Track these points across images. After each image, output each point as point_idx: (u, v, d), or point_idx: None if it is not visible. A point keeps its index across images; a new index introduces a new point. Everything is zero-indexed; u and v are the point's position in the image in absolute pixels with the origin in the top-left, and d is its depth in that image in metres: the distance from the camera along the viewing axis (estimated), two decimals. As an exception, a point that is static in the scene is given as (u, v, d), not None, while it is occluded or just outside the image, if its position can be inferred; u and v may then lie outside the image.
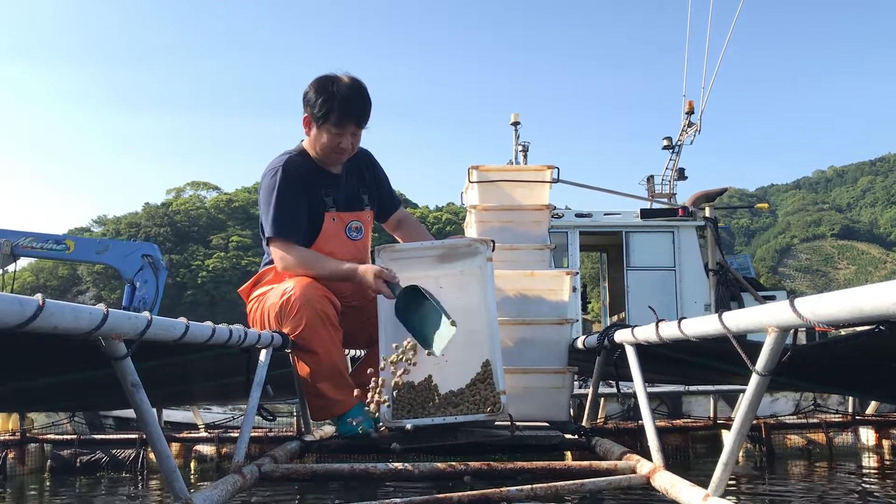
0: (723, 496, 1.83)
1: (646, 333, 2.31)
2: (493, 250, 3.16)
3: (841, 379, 2.79)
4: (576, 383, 4.74)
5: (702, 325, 1.86)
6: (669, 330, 2.09)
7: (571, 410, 3.89)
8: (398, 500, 2.12)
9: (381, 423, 2.89)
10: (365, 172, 3.32)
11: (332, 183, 3.16)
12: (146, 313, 1.71)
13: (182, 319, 1.93)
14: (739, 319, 1.66)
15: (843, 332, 1.58)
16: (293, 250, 2.98)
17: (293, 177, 3.03)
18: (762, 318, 1.54)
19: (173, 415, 6.88)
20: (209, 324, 2.12)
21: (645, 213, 10.82)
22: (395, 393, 2.90)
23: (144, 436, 5.33)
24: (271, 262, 3.17)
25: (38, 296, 1.31)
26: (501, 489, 2.22)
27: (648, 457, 2.43)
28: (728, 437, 1.79)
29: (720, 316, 1.72)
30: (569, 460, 3.40)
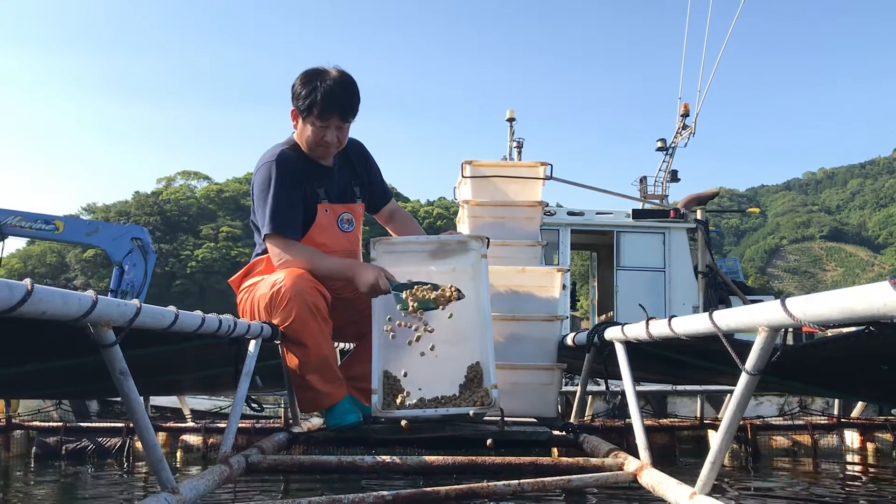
0: (709, 494, 1.84)
1: (636, 331, 2.31)
2: (488, 247, 3.16)
3: (828, 380, 2.81)
4: (564, 380, 4.75)
5: (692, 323, 1.87)
6: (660, 328, 2.09)
7: (559, 407, 3.90)
8: (385, 492, 2.12)
9: (371, 414, 2.90)
10: (357, 165, 3.31)
11: (324, 175, 3.15)
12: (136, 301, 1.70)
13: (171, 308, 1.92)
14: (730, 318, 1.66)
15: (829, 332, 1.58)
16: (291, 248, 2.97)
17: (287, 170, 3.02)
18: (753, 317, 1.55)
19: (159, 399, 6.85)
20: (198, 313, 2.11)
21: (637, 214, 10.85)
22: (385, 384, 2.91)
23: (131, 424, 5.33)
24: (263, 252, 3.16)
25: (27, 280, 1.30)
26: (488, 483, 2.22)
27: (635, 454, 2.44)
28: (716, 436, 1.79)
29: (710, 315, 1.72)
30: (556, 456, 3.41)
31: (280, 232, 2.98)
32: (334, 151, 3.13)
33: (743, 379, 1.66)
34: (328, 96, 2.94)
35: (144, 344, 2.14)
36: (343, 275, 2.96)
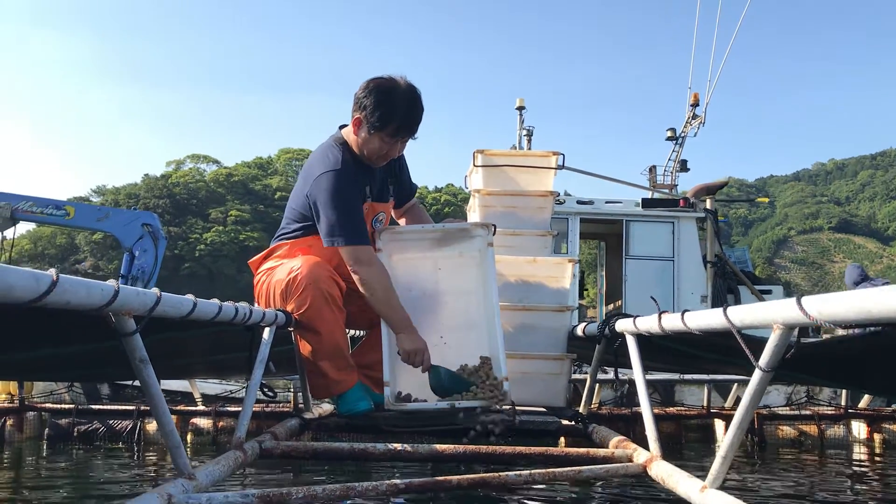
0: (720, 488, 1.86)
1: (648, 324, 2.32)
2: (494, 234, 3.17)
3: (838, 374, 2.82)
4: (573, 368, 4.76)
5: (705, 318, 1.87)
6: (672, 322, 2.10)
7: (568, 395, 3.92)
8: (398, 480, 2.14)
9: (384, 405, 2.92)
10: (394, 162, 3.30)
11: (371, 175, 3.16)
12: (155, 290, 1.72)
13: (189, 296, 1.94)
14: (744, 315, 1.66)
15: (840, 331, 1.59)
16: (373, 264, 2.97)
17: (351, 179, 3.00)
18: (768, 314, 1.55)
19: (169, 383, 6.90)
20: (216, 301, 2.13)
21: (646, 203, 10.84)
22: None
23: (142, 407, 5.38)
24: (284, 236, 3.16)
25: (52, 271, 1.31)
26: (500, 474, 2.24)
27: (643, 444, 2.46)
28: (728, 431, 1.80)
29: (725, 311, 1.73)
30: (563, 446, 3.43)
31: (358, 242, 2.95)
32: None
33: (756, 375, 1.67)
34: (407, 119, 2.98)
35: (160, 330, 2.16)
36: (393, 323, 2.98)
